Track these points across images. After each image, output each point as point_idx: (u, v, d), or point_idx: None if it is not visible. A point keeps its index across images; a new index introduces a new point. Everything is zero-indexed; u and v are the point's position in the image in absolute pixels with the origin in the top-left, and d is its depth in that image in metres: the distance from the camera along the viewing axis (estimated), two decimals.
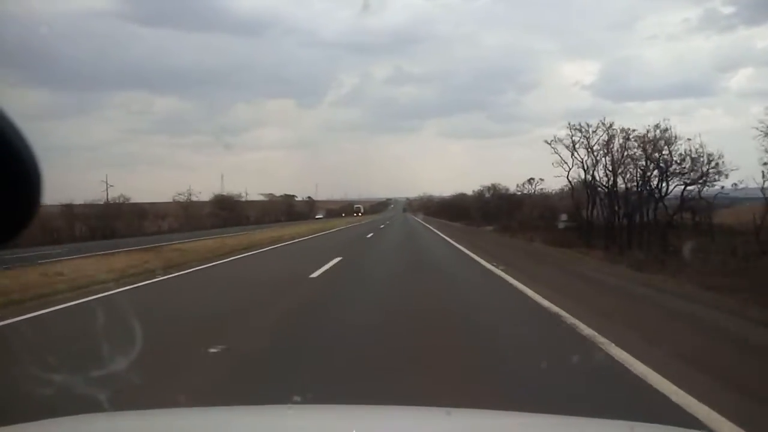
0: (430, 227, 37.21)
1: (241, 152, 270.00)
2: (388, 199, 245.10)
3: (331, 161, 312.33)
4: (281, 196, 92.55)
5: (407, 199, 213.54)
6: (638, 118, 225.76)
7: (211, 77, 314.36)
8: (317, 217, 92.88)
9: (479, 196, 48.47)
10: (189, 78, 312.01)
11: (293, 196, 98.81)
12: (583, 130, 23.55)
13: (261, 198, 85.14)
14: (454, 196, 75.08)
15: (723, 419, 3.25)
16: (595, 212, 24.81)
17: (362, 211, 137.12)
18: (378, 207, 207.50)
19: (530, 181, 40.15)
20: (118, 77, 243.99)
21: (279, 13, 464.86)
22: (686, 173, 21.04)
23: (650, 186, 22.04)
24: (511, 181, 70.97)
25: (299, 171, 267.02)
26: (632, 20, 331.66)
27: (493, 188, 45.87)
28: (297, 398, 2.89)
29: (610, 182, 23.09)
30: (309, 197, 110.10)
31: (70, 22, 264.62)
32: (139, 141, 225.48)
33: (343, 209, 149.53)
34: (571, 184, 25.48)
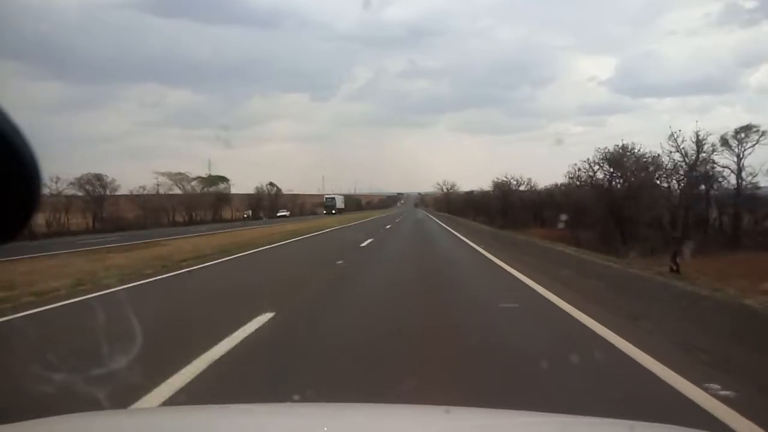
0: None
1: (254, 145, 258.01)
2: (399, 194, 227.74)
3: (343, 155, 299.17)
4: (199, 179, 56.39)
5: (419, 194, 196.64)
6: (656, 114, 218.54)
7: (227, 70, 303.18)
8: (279, 214, 68.35)
9: (575, 184, 24.44)
10: (205, 70, 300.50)
11: (222, 179, 62.35)
12: None
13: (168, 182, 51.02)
14: (495, 187, 49.30)
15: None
16: None
17: (338, 206, 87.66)
18: (387, 202, 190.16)
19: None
20: (132, 70, 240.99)
21: (295, 5, 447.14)
22: None
23: None
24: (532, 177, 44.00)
25: (310, 164, 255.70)
26: (651, 15, 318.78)
27: (616, 163, 21.16)
28: (296, 397, 2.84)
29: None
30: (270, 184, 76.10)
31: (87, 14, 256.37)
32: (152, 133, 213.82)
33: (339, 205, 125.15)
34: None
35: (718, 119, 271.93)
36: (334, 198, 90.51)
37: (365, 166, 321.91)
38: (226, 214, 63.38)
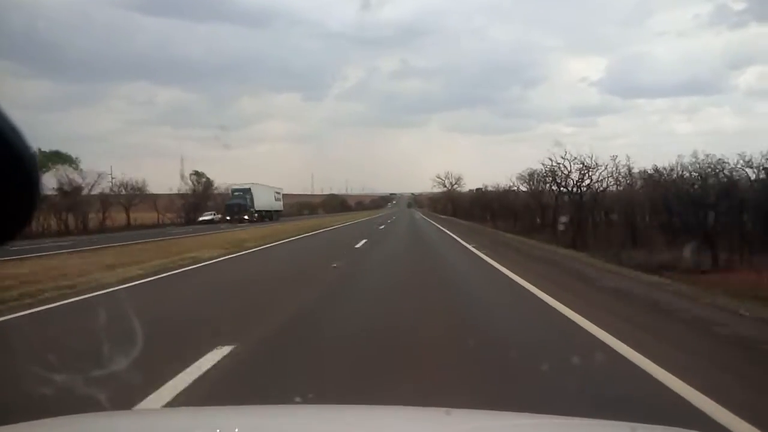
0: None
1: (245, 145, 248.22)
2: (392, 194, 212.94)
3: (335, 155, 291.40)
4: None
5: (412, 194, 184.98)
6: (647, 115, 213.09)
7: (218, 69, 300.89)
8: (203, 219, 48.07)
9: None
10: (195, 70, 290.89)
11: (65, 158, 37.69)
12: None
13: None
14: (535, 178, 30.48)
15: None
16: None
17: (257, 207, 46.23)
18: (379, 202, 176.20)
19: None
20: (122, 69, 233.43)
21: (286, 2, 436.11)
22: None
23: None
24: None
25: (302, 164, 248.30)
26: (642, 16, 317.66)
27: None
28: (298, 399, 2.82)
29: None
30: (194, 172, 52.49)
31: (74, 12, 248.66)
32: (143, 132, 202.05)
33: (323, 204, 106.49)
34: None
35: (707, 120, 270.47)
36: (245, 192, 45.81)
37: (357, 166, 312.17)
38: (137, 220, 45.23)
